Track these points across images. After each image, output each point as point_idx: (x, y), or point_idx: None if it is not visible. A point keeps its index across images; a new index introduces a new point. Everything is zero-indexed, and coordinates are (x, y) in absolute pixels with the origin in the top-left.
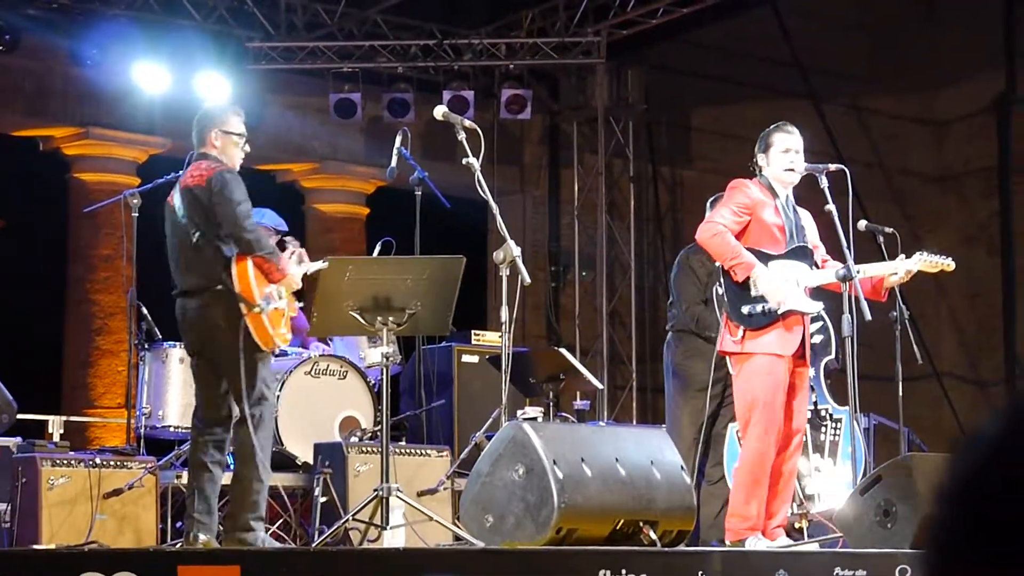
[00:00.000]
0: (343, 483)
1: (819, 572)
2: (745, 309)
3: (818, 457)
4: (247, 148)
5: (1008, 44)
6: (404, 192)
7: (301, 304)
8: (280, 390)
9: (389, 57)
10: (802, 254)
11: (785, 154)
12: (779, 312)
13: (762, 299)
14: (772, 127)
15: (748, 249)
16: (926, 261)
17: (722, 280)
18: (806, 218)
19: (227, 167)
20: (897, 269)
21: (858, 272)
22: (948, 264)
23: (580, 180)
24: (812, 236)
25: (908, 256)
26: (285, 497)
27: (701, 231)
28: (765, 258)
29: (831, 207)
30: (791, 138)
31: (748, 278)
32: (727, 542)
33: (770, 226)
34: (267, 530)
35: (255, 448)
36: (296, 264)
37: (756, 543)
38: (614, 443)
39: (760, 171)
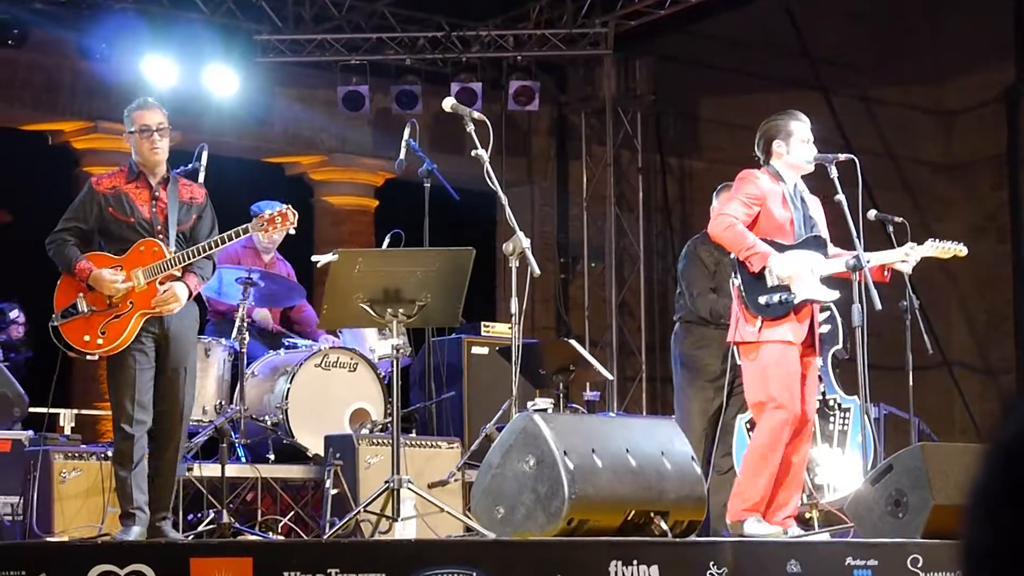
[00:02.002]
0: (354, 475)
1: (830, 562)
2: (762, 299)
3: (826, 447)
4: (154, 140)
5: (1017, 34)
6: (413, 184)
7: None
8: (290, 382)
9: (397, 49)
10: (815, 244)
11: (806, 144)
12: (796, 300)
13: (779, 289)
14: (785, 115)
15: (760, 239)
16: (938, 248)
17: (737, 271)
18: (815, 207)
19: (97, 178)
20: (908, 256)
21: (868, 262)
22: (960, 250)
23: (588, 171)
24: (821, 226)
25: (919, 244)
26: (296, 489)
27: (713, 225)
28: (779, 248)
29: (841, 197)
30: (808, 127)
31: (763, 268)
32: (728, 522)
33: (779, 219)
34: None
35: None
36: (109, 270)
37: (755, 525)
38: (624, 434)
39: (769, 159)
